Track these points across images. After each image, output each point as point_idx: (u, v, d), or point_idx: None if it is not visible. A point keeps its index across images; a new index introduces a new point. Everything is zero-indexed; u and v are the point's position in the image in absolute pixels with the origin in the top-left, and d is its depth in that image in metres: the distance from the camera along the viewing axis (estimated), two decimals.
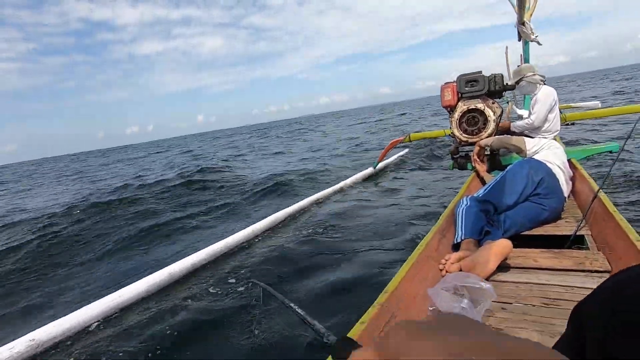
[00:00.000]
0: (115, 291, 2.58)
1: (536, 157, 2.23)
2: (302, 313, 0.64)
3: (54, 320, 2.29)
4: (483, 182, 2.79)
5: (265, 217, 4.04)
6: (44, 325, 2.23)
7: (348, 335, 0.99)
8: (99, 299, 2.51)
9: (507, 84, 3.13)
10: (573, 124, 4.11)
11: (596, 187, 1.94)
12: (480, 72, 3.12)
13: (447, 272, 1.55)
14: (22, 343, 2.11)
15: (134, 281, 2.72)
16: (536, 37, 4.36)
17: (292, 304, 0.67)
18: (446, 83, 3.29)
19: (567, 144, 5.49)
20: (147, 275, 2.80)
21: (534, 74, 3.16)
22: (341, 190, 5.53)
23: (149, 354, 1.94)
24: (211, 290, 2.60)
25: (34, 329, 2.19)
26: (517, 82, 3.08)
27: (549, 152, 2.25)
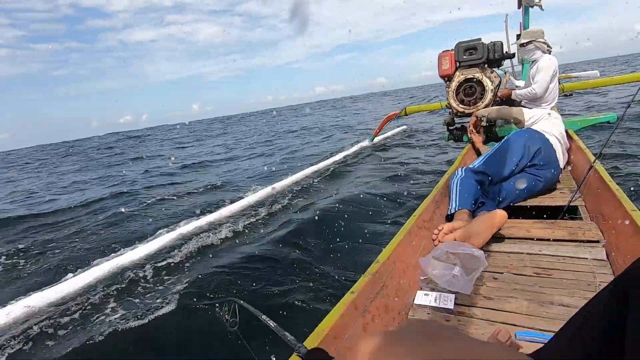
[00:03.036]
0: None
1: (534, 127, 2.18)
2: (273, 325, 0.66)
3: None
4: (478, 154, 2.75)
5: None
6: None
7: (339, 303, 0.97)
8: None
9: (506, 52, 3.03)
10: (571, 94, 4.05)
11: (592, 158, 1.91)
12: (480, 39, 3.01)
13: (439, 242, 1.53)
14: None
15: None
16: (539, 1, 4.20)
17: (264, 316, 0.69)
18: (444, 51, 3.18)
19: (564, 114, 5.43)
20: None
21: (545, 41, 3.05)
22: (336, 162, 5.50)
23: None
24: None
25: None
26: (525, 45, 2.95)
27: (547, 122, 2.20)
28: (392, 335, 0.20)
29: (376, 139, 6.30)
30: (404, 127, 8.19)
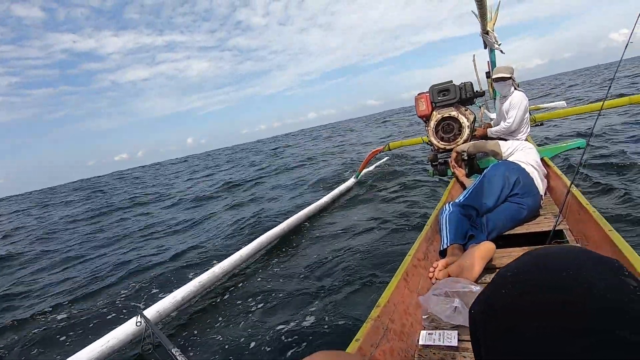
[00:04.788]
0: None
1: (511, 158, 2.31)
2: None
3: None
4: (463, 187, 2.87)
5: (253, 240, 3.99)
6: None
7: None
8: None
9: (477, 91, 3.26)
10: (542, 124, 4.32)
11: (568, 183, 2.03)
12: (451, 81, 3.25)
13: (435, 279, 1.57)
14: None
15: None
16: (499, 45, 4.59)
17: (174, 349, 0.66)
18: (419, 94, 3.41)
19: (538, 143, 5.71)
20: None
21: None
22: (326, 204, 5.52)
23: None
24: None
25: None
26: (506, 79, 3.18)
27: (522, 152, 2.34)
28: None
29: (361, 174, 6.48)
30: (386, 158, 8.57)
